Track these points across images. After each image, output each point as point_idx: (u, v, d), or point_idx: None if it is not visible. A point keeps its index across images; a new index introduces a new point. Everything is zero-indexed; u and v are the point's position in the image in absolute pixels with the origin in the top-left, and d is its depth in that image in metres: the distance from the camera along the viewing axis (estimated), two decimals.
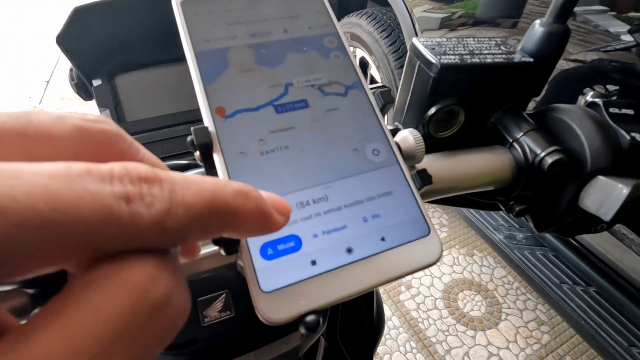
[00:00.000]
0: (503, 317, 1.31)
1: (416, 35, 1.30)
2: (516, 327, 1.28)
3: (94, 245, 0.08)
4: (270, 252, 0.16)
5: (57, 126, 0.10)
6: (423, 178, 0.18)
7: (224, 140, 0.17)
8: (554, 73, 0.98)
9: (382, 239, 0.17)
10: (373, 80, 1.64)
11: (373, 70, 1.59)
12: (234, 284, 0.28)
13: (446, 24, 1.18)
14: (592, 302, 1.01)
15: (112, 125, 0.12)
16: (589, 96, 0.33)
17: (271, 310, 0.14)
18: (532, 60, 0.21)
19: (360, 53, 1.63)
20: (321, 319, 0.15)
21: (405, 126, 0.25)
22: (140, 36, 0.44)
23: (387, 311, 1.33)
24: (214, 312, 0.27)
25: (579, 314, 1.00)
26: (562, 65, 0.88)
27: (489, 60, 0.21)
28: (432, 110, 0.21)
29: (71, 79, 0.47)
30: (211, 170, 0.17)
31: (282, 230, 0.16)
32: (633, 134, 0.20)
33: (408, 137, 0.20)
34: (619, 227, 0.91)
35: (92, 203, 0.08)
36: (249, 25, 0.20)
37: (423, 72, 0.21)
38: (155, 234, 0.09)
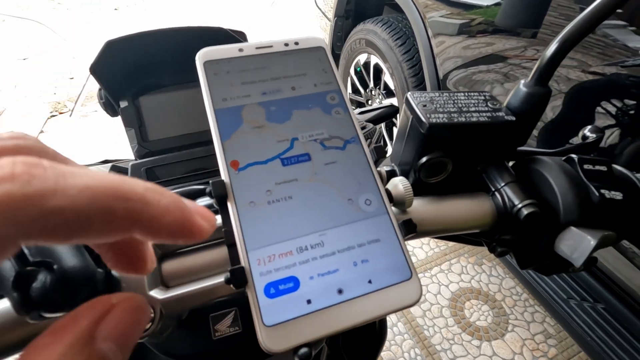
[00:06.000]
0: (510, 328, 1.31)
1: (429, 40, 1.30)
2: (523, 339, 1.28)
3: None
4: (273, 291, 0.19)
5: None
6: (408, 227, 0.21)
7: (237, 191, 0.20)
8: (571, 85, 0.96)
9: (369, 282, 0.20)
10: (386, 87, 1.65)
11: (387, 77, 1.60)
12: (242, 302, 0.31)
13: (465, 31, 1.17)
14: (599, 319, 1.00)
15: (26, 140, 0.11)
16: (587, 131, 0.35)
17: (271, 342, 0.17)
18: (514, 119, 0.24)
19: (375, 60, 1.65)
20: (313, 351, 0.18)
21: (401, 167, 0.28)
22: (162, 61, 0.48)
23: (392, 317, 1.35)
24: (224, 327, 0.30)
25: (585, 330, 1.00)
26: (580, 77, 0.88)
27: (474, 119, 0.23)
28: (422, 160, 0.24)
29: (100, 98, 0.51)
30: (226, 217, 0.20)
31: (283, 272, 0.19)
32: (602, 191, 0.22)
33: (398, 185, 0.23)
34: (629, 245, 0.91)
35: None
36: (261, 84, 0.23)
37: (415, 126, 0.24)
38: (40, 213, 0.09)
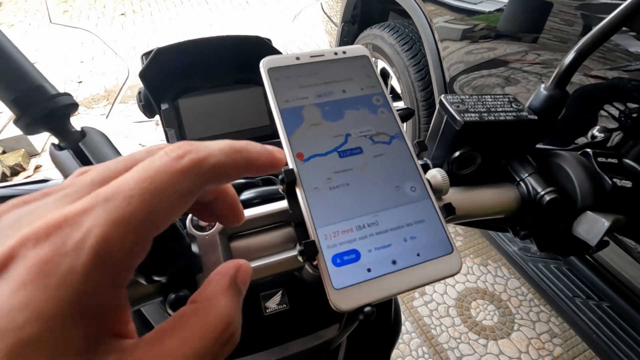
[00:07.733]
0: (515, 327, 1.34)
1: (436, 44, 1.34)
2: (528, 338, 1.31)
3: (178, 193, 0.13)
4: (339, 261, 0.22)
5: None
6: (448, 210, 0.24)
7: (303, 178, 0.24)
8: (575, 88, 0.98)
9: (418, 255, 0.23)
10: (393, 91, 1.69)
11: (394, 82, 1.64)
12: (287, 283, 0.34)
13: (468, 36, 1.20)
14: (604, 317, 1.02)
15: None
16: (595, 130, 0.38)
17: (340, 302, 0.21)
18: (536, 118, 0.27)
19: (382, 64, 1.68)
20: (375, 310, 0.21)
21: (433, 160, 0.31)
22: (199, 65, 0.52)
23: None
24: (274, 304, 0.33)
25: (591, 328, 1.02)
26: (583, 80, 0.91)
27: (502, 118, 0.27)
28: (455, 154, 0.28)
29: (139, 100, 0.55)
30: (294, 200, 0.24)
31: (346, 246, 0.22)
32: (614, 180, 0.26)
33: (437, 175, 0.27)
34: (634, 245, 0.93)
35: (162, 166, 0.13)
36: (316, 88, 0.27)
37: (449, 124, 0.27)
38: (208, 168, 0.14)
